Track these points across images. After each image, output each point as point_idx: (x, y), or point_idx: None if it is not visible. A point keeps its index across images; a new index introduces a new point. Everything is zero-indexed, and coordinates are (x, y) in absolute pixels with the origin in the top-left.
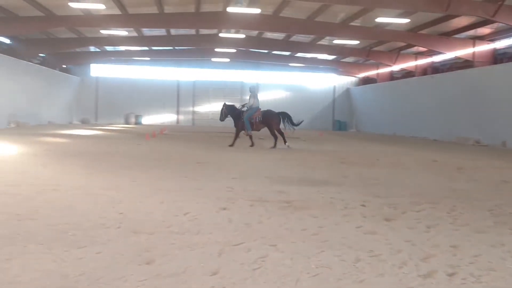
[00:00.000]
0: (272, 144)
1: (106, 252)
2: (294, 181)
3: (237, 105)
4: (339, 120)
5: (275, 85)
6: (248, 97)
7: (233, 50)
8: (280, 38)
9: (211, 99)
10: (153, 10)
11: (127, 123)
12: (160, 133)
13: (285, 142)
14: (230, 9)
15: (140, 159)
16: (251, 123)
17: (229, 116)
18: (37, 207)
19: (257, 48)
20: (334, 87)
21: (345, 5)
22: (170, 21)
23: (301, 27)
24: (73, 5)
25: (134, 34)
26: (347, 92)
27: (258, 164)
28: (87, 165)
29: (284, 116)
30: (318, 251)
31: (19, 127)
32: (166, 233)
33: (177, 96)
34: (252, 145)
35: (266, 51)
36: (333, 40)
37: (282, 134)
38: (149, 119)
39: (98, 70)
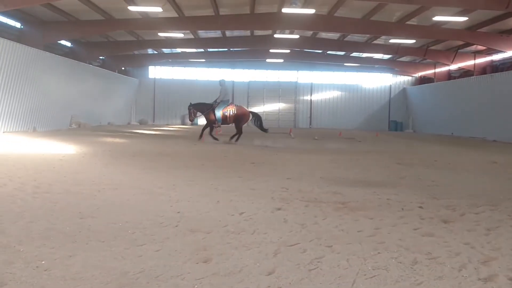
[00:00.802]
0: (230, 138)
1: (164, 250)
2: (349, 182)
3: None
4: (395, 121)
5: (330, 85)
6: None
7: (287, 51)
8: (335, 38)
9: (266, 100)
10: (209, 12)
11: (183, 123)
12: (215, 133)
13: (237, 139)
14: (284, 10)
15: (196, 159)
16: (224, 116)
17: (199, 114)
18: (98, 206)
19: (312, 48)
20: (390, 87)
21: (402, 3)
22: (225, 23)
23: (356, 27)
24: (132, 8)
25: (190, 36)
26: (403, 92)
27: (313, 164)
28: (145, 164)
29: (257, 117)
30: (375, 253)
31: (80, 128)
32: (222, 232)
33: (232, 97)
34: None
35: (320, 51)
36: (389, 39)
37: (239, 130)
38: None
39: (156, 72)
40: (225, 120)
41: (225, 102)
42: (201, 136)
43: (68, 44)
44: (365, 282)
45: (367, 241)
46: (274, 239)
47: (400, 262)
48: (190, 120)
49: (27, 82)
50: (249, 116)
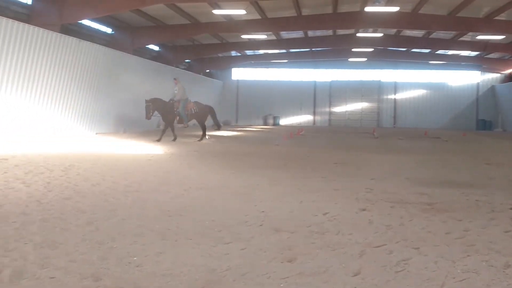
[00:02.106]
0: (199, 138)
1: (250, 248)
2: (435, 183)
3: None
4: (484, 119)
5: (414, 83)
6: (176, 88)
7: (371, 49)
8: (419, 36)
9: (348, 99)
10: (291, 13)
11: (265, 124)
12: (297, 134)
13: (205, 135)
14: (368, 9)
15: (278, 159)
16: (187, 114)
17: (155, 112)
18: (185, 204)
19: (395, 46)
20: (478, 85)
21: None
22: (307, 23)
23: (442, 24)
24: (216, 12)
25: (273, 37)
26: (492, 90)
27: (398, 165)
28: (229, 165)
29: (213, 112)
30: (464, 255)
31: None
32: (306, 232)
33: (313, 97)
34: (175, 139)
35: (404, 49)
36: (476, 36)
37: (204, 127)
38: (286, 120)
39: (239, 74)
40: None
41: (185, 101)
42: (159, 139)
43: (156, 48)
44: (454, 286)
45: (456, 243)
46: (359, 240)
47: (491, 266)
48: (146, 118)
49: (117, 85)
50: (209, 112)
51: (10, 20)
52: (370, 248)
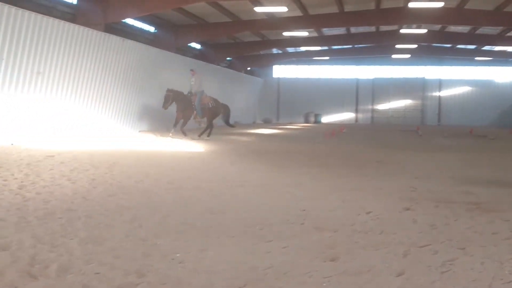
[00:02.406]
0: (201, 134)
1: (292, 247)
2: (482, 182)
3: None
4: None
5: (459, 80)
6: (192, 79)
7: (414, 46)
8: (465, 32)
9: (391, 97)
10: (333, 9)
11: (306, 122)
12: (339, 131)
13: (210, 133)
14: (411, 4)
15: (320, 157)
16: (202, 109)
17: (173, 103)
18: (227, 202)
19: (440, 42)
20: None
21: None
22: (350, 20)
23: (489, 19)
24: (258, 9)
25: (315, 34)
26: None
27: (442, 163)
28: (270, 162)
29: (227, 111)
30: None
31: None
32: (349, 232)
33: (356, 94)
34: (185, 135)
35: (449, 45)
36: None
37: (212, 125)
38: (328, 118)
39: (280, 71)
40: (203, 113)
41: (201, 93)
42: (185, 133)
43: (198, 46)
44: (501, 287)
45: (504, 243)
46: (403, 240)
47: None
48: (164, 107)
49: (160, 84)
50: (224, 111)
51: (57, 20)
52: (415, 248)
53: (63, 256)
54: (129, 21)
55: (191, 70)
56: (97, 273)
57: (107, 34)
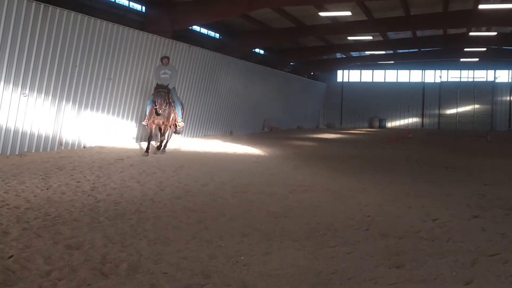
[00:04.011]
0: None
1: (356, 253)
2: None
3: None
4: None
5: None
6: (164, 71)
7: (483, 49)
8: None
9: (459, 101)
10: (399, 13)
11: (371, 126)
12: (404, 136)
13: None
14: (481, 6)
15: (385, 163)
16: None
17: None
18: (291, 206)
19: (511, 45)
20: None
21: None
22: (416, 23)
23: None
24: (322, 14)
25: (379, 38)
26: None
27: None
28: (334, 167)
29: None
30: None
31: (272, 132)
32: (415, 238)
33: (422, 99)
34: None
35: None
36: None
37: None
38: (393, 123)
39: (344, 76)
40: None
41: (174, 92)
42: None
43: (262, 52)
44: None
45: None
46: (471, 248)
47: None
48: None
49: (224, 89)
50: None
51: (127, 28)
52: (483, 256)
53: (133, 256)
54: (196, 28)
55: (164, 57)
56: (165, 273)
57: (175, 41)
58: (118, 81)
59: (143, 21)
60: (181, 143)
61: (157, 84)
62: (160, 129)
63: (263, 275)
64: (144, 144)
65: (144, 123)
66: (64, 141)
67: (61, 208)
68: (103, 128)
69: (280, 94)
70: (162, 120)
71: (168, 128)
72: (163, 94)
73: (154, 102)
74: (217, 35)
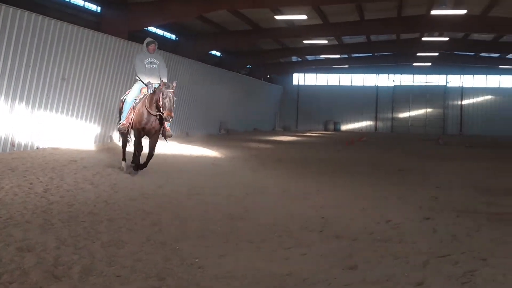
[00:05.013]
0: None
1: (310, 254)
2: (505, 192)
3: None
4: None
5: (483, 89)
6: (151, 59)
7: (436, 54)
8: (488, 40)
9: (411, 105)
10: (354, 17)
11: (326, 129)
12: (358, 140)
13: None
14: (434, 12)
15: (340, 165)
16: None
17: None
18: (247, 208)
19: (462, 50)
20: None
21: None
22: (370, 28)
23: None
24: (278, 17)
25: (335, 42)
26: None
27: (464, 173)
28: (290, 170)
29: None
30: None
31: (228, 134)
32: (368, 240)
33: (375, 102)
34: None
35: (472, 53)
36: None
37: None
38: (347, 126)
39: (299, 79)
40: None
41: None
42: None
43: (218, 53)
44: None
45: None
46: (423, 250)
47: None
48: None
49: (181, 90)
50: None
51: (81, 28)
52: (435, 258)
53: (86, 258)
54: (152, 29)
55: (150, 42)
56: (118, 276)
57: (130, 42)
58: (72, 82)
59: (99, 22)
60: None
61: (145, 77)
62: (150, 137)
63: (218, 277)
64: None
65: (121, 127)
66: (16, 142)
67: (12, 210)
68: (57, 129)
69: (237, 96)
70: (155, 126)
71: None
72: (171, 96)
73: (150, 102)
74: (173, 36)
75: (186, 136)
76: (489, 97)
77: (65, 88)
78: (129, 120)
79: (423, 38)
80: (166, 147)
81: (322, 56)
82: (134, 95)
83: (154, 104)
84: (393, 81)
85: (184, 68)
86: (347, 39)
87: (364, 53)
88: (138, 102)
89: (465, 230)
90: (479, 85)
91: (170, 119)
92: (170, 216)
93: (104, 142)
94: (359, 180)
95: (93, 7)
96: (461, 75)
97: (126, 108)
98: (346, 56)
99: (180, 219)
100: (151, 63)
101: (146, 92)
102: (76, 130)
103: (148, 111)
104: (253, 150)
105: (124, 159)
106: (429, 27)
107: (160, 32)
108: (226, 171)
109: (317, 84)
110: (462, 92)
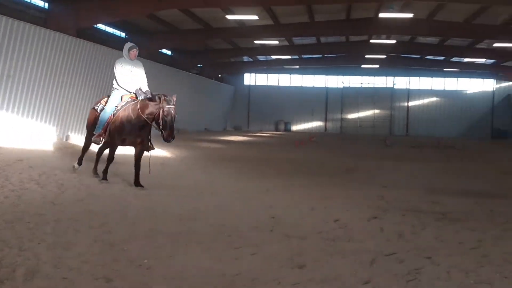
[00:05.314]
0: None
1: (260, 254)
2: (449, 191)
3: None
4: (499, 128)
5: (428, 91)
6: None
7: (384, 56)
8: (434, 43)
9: (360, 106)
10: (304, 19)
11: (276, 129)
12: (309, 140)
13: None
14: (381, 15)
15: (290, 165)
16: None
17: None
18: (197, 208)
19: (409, 53)
20: (493, 93)
21: (507, 5)
22: (320, 29)
23: (458, 31)
24: (229, 17)
25: (285, 43)
26: (508, 98)
27: (410, 173)
28: (241, 170)
29: None
30: (477, 266)
31: (179, 133)
32: (317, 239)
33: (325, 103)
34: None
35: (418, 56)
36: (493, 43)
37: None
38: (297, 126)
39: (251, 79)
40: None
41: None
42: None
43: (169, 52)
44: None
45: (469, 253)
46: (370, 248)
47: (506, 277)
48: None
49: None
50: None
51: (28, 24)
52: (381, 256)
53: (31, 260)
54: (101, 26)
55: (132, 48)
56: (65, 278)
57: (79, 39)
58: (18, 79)
59: (46, 18)
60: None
61: (128, 85)
62: (136, 151)
63: (166, 278)
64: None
65: (95, 138)
66: None
67: None
68: (1, 128)
69: (187, 95)
70: (140, 139)
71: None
72: (173, 113)
73: (139, 111)
74: (123, 35)
75: None
76: (434, 99)
77: (11, 86)
78: (105, 130)
79: (371, 41)
80: None
81: (273, 57)
82: (115, 103)
83: (148, 116)
84: (342, 82)
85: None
86: (297, 40)
87: (314, 55)
88: (120, 109)
89: (411, 228)
90: (424, 87)
91: (172, 140)
92: (118, 217)
93: (51, 141)
94: (309, 180)
95: (40, 3)
96: (408, 77)
97: (105, 118)
98: (296, 57)
99: (129, 220)
100: (131, 71)
101: (128, 100)
102: (22, 128)
103: (130, 120)
104: (204, 150)
105: (80, 163)
106: (377, 30)
107: (110, 30)
108: (176, 171)
109: (268, 84)
110: (409, 94)
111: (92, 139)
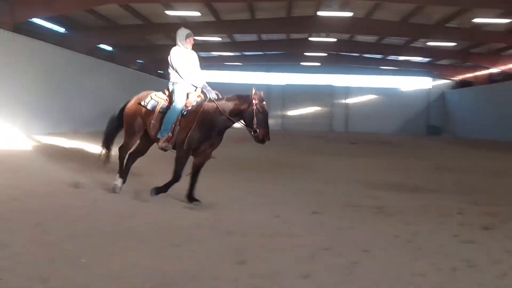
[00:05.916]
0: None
1: (201, 251)
2: (386, 186)
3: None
4: (433, 125)
5: (366, 88)
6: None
7: (324, 54)
8: (372, 41)
9: (301, 103)
10: (246, 16)
11: None
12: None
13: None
14: (320, 13)
15: (231, 161)
16: None
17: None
18: (137, 207)
19: (348, 51)
20: (428, 91)
21: (442, 5)
22: (261, 27)
23: (394, 30)
24: (169, 13)
25: (227, 40)
26: (442, 96)
27: (349, 168)
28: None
29: None
30: (412, 259)
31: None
32: (258, 235)
33: (267, 100)
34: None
35: (357, 54)
36: (427, 42)
37: None
38: (238, 123)
39: None
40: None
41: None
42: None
43: (109, 48)
44: None
45: (405, 246)
46: (310, 243)
47: (439, 269)
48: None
49: (70, 85)
50: None
51: None
52: (321, 250)
53: None
54: (38, 21)
55: (189, 34)
56: None
57: (15, 34)
58: None
59: None
60: (22, 141)
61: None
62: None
63: (106, 277)
64: None
65: (163, 144)
66: None
67: None
68: None
69: (128, 91)
70: (214, 146)
71: None
72: (267, 110)
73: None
74: (62, 29)
75: (75, 133)
76: (372, 96)
77: None
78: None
79: (311, 39)
80: (54, 144)
81: (215, 53)
82: (184, 100)
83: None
84: (284, 80)
85: (72, 62)
86: (239, 37)
87: (255, 52)
88: (192, 109)
89: (349, 223)
90: (363, 85)
91: (267, 140)
92: (56, 216)
93: None
94: (249, 177)
95: None
96: (347, 75)
97: (173, 118)
98: (238, 54)
99: (67, 218)
100: (189, 62)
101: (196, 98)
102: None
103: (216, 122)
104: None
105: (122, 176)
106: (316, 28)
107: (47, 24)
108: (115, 169)
109: (210, 81)
110: (348, 91)
111: (159, 145)
